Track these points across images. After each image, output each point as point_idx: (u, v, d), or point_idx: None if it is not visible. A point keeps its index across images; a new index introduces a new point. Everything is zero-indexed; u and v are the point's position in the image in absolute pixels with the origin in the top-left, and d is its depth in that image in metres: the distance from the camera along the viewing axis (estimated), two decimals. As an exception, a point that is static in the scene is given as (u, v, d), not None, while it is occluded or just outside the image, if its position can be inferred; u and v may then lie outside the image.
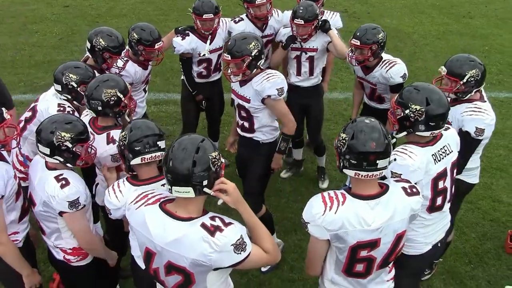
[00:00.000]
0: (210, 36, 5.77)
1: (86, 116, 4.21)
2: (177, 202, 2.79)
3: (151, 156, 3.36)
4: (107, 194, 3.43)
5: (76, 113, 4.31)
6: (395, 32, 10.71)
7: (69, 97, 4.36)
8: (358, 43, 5.00)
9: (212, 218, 2.74)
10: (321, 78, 5.93)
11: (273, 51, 6.06)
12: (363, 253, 3.07)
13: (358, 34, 5.02)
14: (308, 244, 3.17)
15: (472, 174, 4.53)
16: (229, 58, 4.41)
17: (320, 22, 5.49)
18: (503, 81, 8.86)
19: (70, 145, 3.51)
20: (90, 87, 4.05)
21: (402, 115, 3.50)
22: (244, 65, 4.39)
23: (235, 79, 4.56)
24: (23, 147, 4.51)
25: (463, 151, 4.00)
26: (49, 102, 4.37)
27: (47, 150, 3.51)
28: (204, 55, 5.78)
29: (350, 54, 5.13)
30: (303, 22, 5.35)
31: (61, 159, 3.54)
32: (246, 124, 4.79)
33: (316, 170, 6.54)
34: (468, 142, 4.15)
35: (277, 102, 4.52)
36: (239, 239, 2.68)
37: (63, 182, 3.48)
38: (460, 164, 3.99)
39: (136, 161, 3.36)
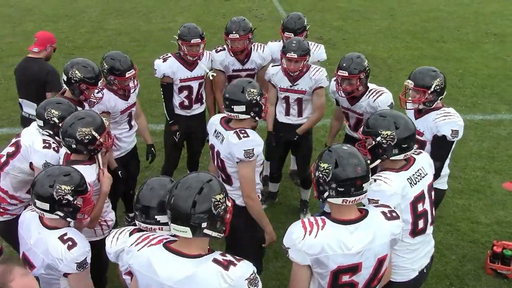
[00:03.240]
0: (194, 63, 5.78)
1: (62, 148, 4.16)
2: (180, 242, 2.75)
3: (147, 227, 3.15)
4: (110, 234, 3.31)
5: (61, 150, 4.27)
6: (370, 58, 10.78)
7: (51, 132, 4.31)
8: (346, 74, 4.92)
9: (223, 254, 2.72)
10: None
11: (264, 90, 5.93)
12: (345, 278, 3.07)
13: (344, 65, 4.95)
14: (289, 271, 3.17)
15: (443, 181, 4.76)
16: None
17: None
18: (477, 103, 9.00)
19: (71, 198, 3.38)
20: (65, 124, 3.99)
21: (373, 143, 3.58)
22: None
23: None
24: (3, 182, 4.44)
25: (440, 154, 4.32)
26: (34, 138, 4.32)
27: (46, 206, 3.34)
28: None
29: (337, 86, 5.07)
30: (296, 56, 5.23)
31: (62, 214, 3.38)
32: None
33: (300, 202, 6.41)
34: (445, 145, 4.45)
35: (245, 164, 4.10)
36: (252, 274, 2.69)
37: (70, 243, 3.30)
38: (437, 168, 4.21)
39: (137, 223, 3.20)
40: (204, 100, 6.09)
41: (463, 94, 9.27)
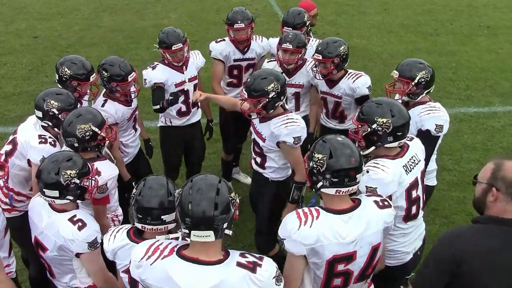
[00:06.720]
0: (183, 65, 5.47)
1: (63, 145, 4.15)
2: (194, 248, 2.69)
3: (152, 228, 3.17)
4: (107, 232, 3.33)
5: (57, 143, 4.27)
6: (364, 52, 10.85)
7: (50, 124, 4.28)
8: (320, 57, 5.03)
9: (243, 255, 2.71)
10: (308, 112, 5.78)
11: None
12: (340, 267, 3.11)
13: (319, 48, 5.07)
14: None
15: (431, 177, 4.78)
16: (246, 96, 4.30)
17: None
18: (472, 96, 9.02)
19: (78, 181, 3.45)
20: (65, 124, 3.97)
21: (369, 130, 3.60)
22: (260, 105, 4.26)
23: (253, 115, 4.46)
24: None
25: (425, 150, 4.19)
26: (29, 133, 4.29)
27: (55, 193, 3.42)
28: (185, 88, 5.52)
29: (314, 69, 5.15)
30: (291, 47, 5.23)
31: (72, 198, 3.46)
32: (258, 160, 4.70)
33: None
34: (429, 140, 4.36)
35: (292, 149, 4.36)
36: (277, 271, 2.71)
37: (80, 223, 3.40)
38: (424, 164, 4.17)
39: (138, 225, 3.21)
40: (199, 104, 5.76)
41: (457, 87, 9.28)
